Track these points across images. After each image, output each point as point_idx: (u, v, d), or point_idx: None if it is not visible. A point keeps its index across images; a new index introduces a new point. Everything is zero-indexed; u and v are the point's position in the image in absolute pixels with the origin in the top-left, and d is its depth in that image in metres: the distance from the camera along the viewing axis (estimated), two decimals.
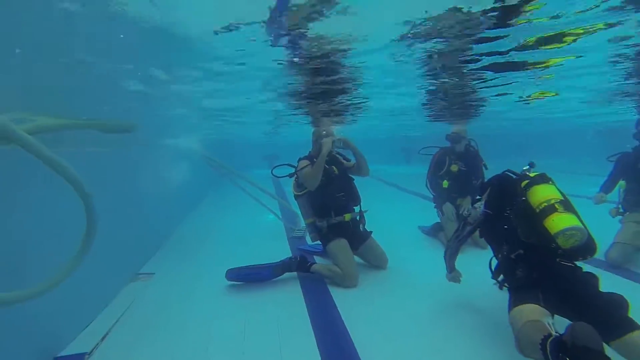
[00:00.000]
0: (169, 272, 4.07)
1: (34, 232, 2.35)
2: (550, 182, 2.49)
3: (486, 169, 4.90)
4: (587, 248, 2.33)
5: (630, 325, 1.95)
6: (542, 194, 2.40)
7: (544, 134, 19.33)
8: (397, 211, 6.99)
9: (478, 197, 2.88)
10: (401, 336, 2.71)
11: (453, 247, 3.01)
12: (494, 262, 2.71)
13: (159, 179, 5.41)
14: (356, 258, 3.92)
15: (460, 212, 3.00)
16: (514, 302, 2.30)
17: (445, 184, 4.92)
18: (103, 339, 2.74)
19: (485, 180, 3.02)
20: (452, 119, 8.47)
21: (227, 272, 3.62)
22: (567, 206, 2.32)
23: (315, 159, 3.81)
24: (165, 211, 5.60)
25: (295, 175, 4.05)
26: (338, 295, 3.42)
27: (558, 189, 2.46)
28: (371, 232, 4.10)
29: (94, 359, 2.51)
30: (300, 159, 4.03)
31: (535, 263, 2.39)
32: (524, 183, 2.51)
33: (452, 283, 3.07)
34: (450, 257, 3.07)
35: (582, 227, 2.22)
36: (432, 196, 5.23)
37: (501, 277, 2.60)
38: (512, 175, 2.70)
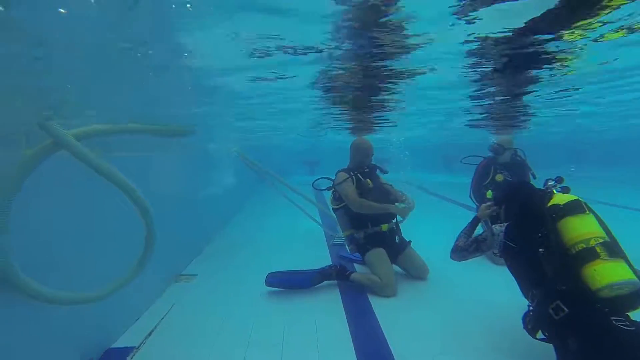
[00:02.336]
0: (211, 274, 4.17)
1: (92, 233, 2.49)
2: (587, 212, 2.01)
3: (534, 178, 4.71)
4: (638, 298, 1.89)
5: None
6: (578, 230, 1.96)
7: (606, 141, 17.88)
8: (439, 221, 6.83)
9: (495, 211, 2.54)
10: (441, 350, 2.64)
11: (457, 257, 2.73)
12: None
13: (204, 183, 5.60)
14: (396, 268, 3.87)
15: (481, 234, 2.62)
16: None
17: (489, 194, 4.77)
18: (149, 335, 2.85)
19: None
20: (498, 127, 8.14)
21: (268, 276, 3.67)
22: (613, 248, 1.87)
23: (353, 172, 3.92)
24: (209, 215, 5.76)
25: (333, 188, 4.07)
26: (377, 304, 3.38)
27: (598, 221, 2.00)
28: (410, 241, 4.05)
29: (141, 353, 2.62)
30: (338, 172, 4.05)
31: (589, 328, 1.91)
32: (551, 209, 2.05)
33: (495, 301, 2.82)
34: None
35: (635, 280, 1.81)
36: (475, 207, 5.08)
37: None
38: (533, 189, 2.28)
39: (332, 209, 4.17)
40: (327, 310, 3.28)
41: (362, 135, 6.69)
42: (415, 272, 3.96)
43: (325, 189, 4.15)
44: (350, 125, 7.84)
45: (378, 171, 4.18)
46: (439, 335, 2.83)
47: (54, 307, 1.90)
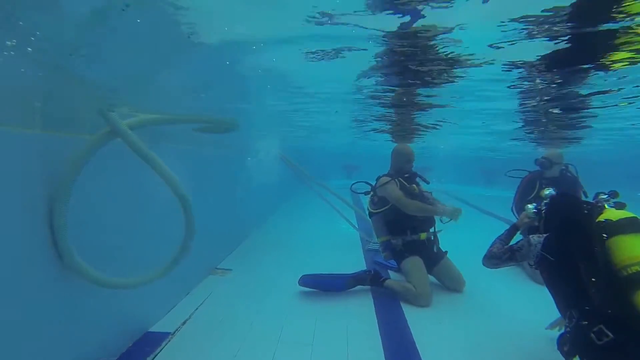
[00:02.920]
0: (245, 270, 4.24)
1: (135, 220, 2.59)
2: None
3: (586, 197, 4.47)
4: None
5: None
6: (632, 250, 1.76)
7: None
8: (476, 234, 6.61)
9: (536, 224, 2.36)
10: None
11: (490, 264, 2.62)
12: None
13: (244, 181, 5.71)
14: (431, 278, 3.79)
15: (517, 243, 2.45)
16: None
17: (529, 209, 4.58)
18: (184, 323, 2.92)
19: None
20: (549, 142, 7.72)
21: (301, 278, 3.67)
22: None
23: (398, 179, 3.88)
24: (248, 212, 5.86)
25: (372, 192, 4.04)
26: (410, 313, 3.31)
27: None
28: (446, 252, 3.95)
29: (176, 339, 2.69)
30: (379, 177, 4.02)
31: (634, 356, 1.73)
32: (601, 225, 1.87)
33: (530, 319, 2.66)
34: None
35: None
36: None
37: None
38: (579, 202, 2.09)
39: (370, 213, 4.12)
40: (359, 315, 3.25)
41: (403, 143, 6.58)
42: (451, 284, 3.85)
43: (363, 193, 4.13)
44: (391, 129, 7.65)
45: (418, 179, 4.12)
46: (471, 350, 2.74)
47: (102, 290, 2.00)
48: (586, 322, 1.88)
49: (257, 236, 5.94)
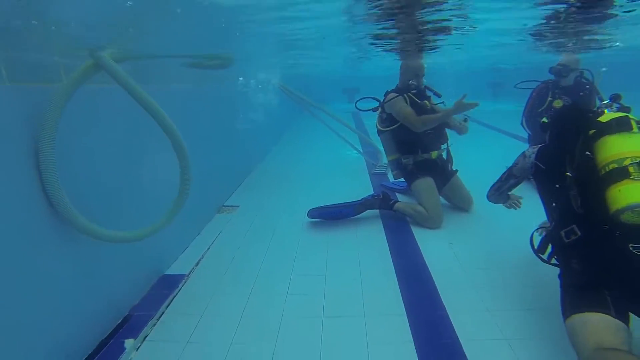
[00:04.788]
0: (253, 205, 4.23)
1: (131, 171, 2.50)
2: (634, 131, 1.70)
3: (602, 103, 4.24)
4: None
5: None
6: (614, 149, 1.67)
7: None
8: (484, 151, 6.52)
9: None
10: (485, 282, 2.58)
11: (493, 198, 2.66)
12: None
13: (244, 113, 5.54)
14: (441, 199, 3.75)
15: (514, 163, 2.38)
16: (573, 304, 1.69)
17: (543, 120, 4.40)
18: (197, 264, 2.96)
19: (552, 115, 2.27)
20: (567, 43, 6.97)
21: (309, 212, 3.64)
22: None
23: (408, 94, 3.65)
24: (250, 145, 5.76)
25: (380, 109, 3.85)
26: (420, 235, 3.33)
27: None
28: (456, 170, 3.87)
29: (191, 280, 2.74)
30: (388, 92, 3.80)
31: (598, 252, 1.74)
32: (591, 131, 1.78)
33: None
34: (496, 202, 2.71)
35: None
36: (527, 135, 4.74)
37: (548, 253, 2.02)
38: (583, 111, 1.94)
39: (378, 130, 3.94)
40: (369, 240, 3.28)
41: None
42: (460, 203, 3.83)
43: (371, 109, 3.93)
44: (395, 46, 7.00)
45: (430, 93, 3.88)
46: (483, 268, 2.77)
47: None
48: (560, 223, 1.90)
49: (261, 169, 5.89)
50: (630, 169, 1.59)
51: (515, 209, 2.76)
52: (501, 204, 2.80)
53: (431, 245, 3.15)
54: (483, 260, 2.86)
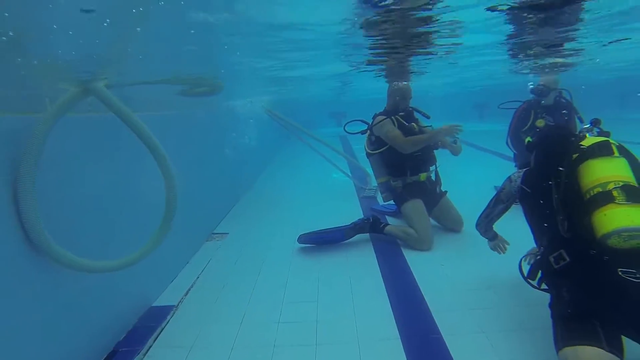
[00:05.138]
0: (242, 232, 4.19)
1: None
2: (615, 155, 1.73)
3: (582, 122, 4.35)
4: None
5: None
6: (597, 173, 1.69)
7: None
8: (472, 171, 6.59)
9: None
10: (476, 304, 2.56)
11: (482, 226, 2.59)
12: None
13: (232, 139, 5.55)
14: (431, 220, 3.75)
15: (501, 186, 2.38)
16: (564, 336, 1.67)
17: (528, 140, 4.48)
18: (186, 293, 2.90)
19: (536, 136, 2.32)
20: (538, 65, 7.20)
21: (299, 237, 3.62)
22: (634, 193, 1.60)
23: (395, 117, 3.67)
24: (238, 172, 5.75)
25: (369, 132, 3.89)
26: (412, 257, 3.31)
27: (631, 165, 1.72)
28: (446, 192, 3.89)
29: (180, 310, 2.67)
30: (376, 115, 3.85)
31: (587, 278, 1.74)
32: (574, 155, 1.81)
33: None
34: (484, 232, 2.65)
35: None
36: (512, 155, 4.82)
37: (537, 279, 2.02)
38: (566, 134, 2.00)
39: (367, 153, 3.96)
40: (360, 265, 3.24)
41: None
42: (450, 224, 3.84)
43: (359, 132, 3.96)
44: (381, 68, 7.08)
45: (417, 115, 3.93)
46: (475, 288, 2.76)
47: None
48: (549, 248, 1.91)
49: (250, 195, 5.86)
50: (614, 193, 1.61)
51: (499, 253, 2.71)
52: (487, 241, 2.77)
53: (423, 267, 3.13)
54: (475, 281, 2.85)
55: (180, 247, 3.36)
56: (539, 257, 2.03)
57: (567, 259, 1.81)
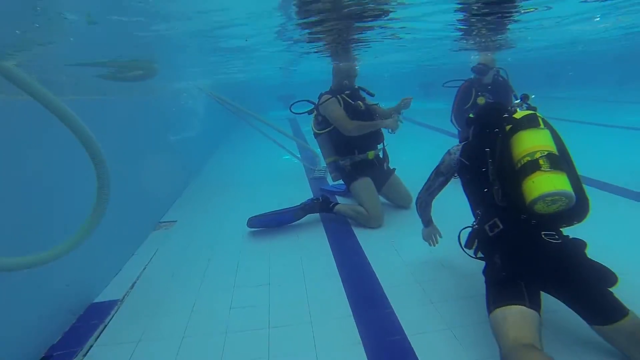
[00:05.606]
0: (191, 219, 4.05)
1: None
2: (541, 126, 1.88)
3: (517, 99, 4.56)
4: (574, 214, 1.84)
5: (621, 312, 1.65)
6: (526, 143, 1.83)
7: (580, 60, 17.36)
8: (419, 148, 6.77)
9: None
10: (430, 278, 2.65)
11: (423, 200, 2.59)
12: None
13: (175, 126, 5.31)
14: (381, 198, 3.81)
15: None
16: (494, 300, 1.79)
17: (470, 117, 4.65)
18: (132, 286, 2.76)
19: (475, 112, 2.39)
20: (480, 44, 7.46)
21: (249, 221, 3.55)
22: (556, 161, 1.75)
23: (341, 96, 3.65)
24: (185, 158, 5.53)
25: (315, 112, 3.84)
26: (363, 236, 3.36)
27: (552, 136, 1.87)
28: (394, 169, 3.96)
29: (125, 305, 2.54)
30: (322, 94, 3.80)
31: (517, 243, 1.89)
32: (507, 127, 1.94)
33: None
34: (422, 210, 2.65)
35: (569, 192, 1.70)
36: (456, 132, 4.99)
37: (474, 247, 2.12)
38: (500, 109, 2.10)
39: (315, 133, 3.93)
40: (312, 245, 3.25)
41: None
42: (399, 201, 3.92)
43: (306, 112, 3.91)
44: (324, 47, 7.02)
45: (363, 93, 3.93)
46: (428, 264, 2.83)
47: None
48: (484, 217, 2.04)
49: (198, 181, 5.67)
50: (541, 162, 1.74)
51: (430, 245, 2.76)
52: (422, 229, 2.81)
53: (373, 244, 3.18)
54: (425, 255, 2.93)
55: (124, 238, 3.19)
56: (475, 226, 2.12)
57: (501, 226, 1.94)
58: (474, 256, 2.12)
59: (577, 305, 1.76)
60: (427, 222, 2.74)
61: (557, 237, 1.84)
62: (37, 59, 2.36)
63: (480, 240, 2.07)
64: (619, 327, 1.64)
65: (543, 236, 1.82)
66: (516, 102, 2.17)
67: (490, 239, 1.98)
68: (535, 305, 1.71)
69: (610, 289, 1.73)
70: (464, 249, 2.16)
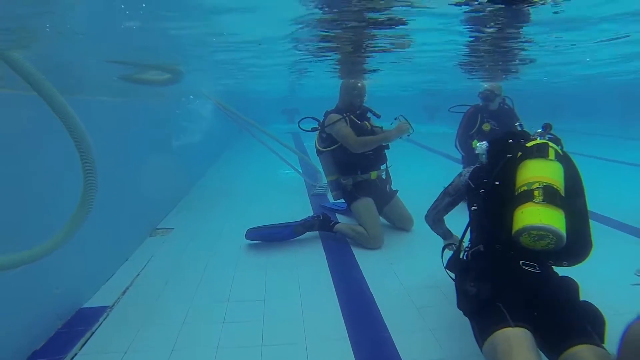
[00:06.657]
0: (188, 227, 3.99)
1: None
2: (550, 158, 1.79)
3: (521, 128, 4.57)
4: (566, 255, 1.76)
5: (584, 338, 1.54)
6: (529, 173, 1.77)
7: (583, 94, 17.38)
8: (422, 171, 6.75)
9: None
10: (426, 303, 2.58)
11: (430, 218, 2.54)
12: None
13: (178, 132, 5.29)
14: (381, 219, 3.76)
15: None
16: (480, 331, 1.69)
17: (475, 144, 4.65)
18: (124, 293, 2.69)
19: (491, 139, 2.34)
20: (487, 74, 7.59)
21: (247, 232, 3.49)
22: (553, 195, 1.65)
23: (346, 114, 3.61)
24: (185, 165, 5.50)
25: (320, 129, 3.82)
26: (362, 256, 3.30)
27: (561, 171, 1.77)
28: (397, 191, 3.92)
29: (115, 312, 2.47)
30: (328, 112, 3.78)
31: (492, 265, 1.86)
32: (519, 154, 1.89)
33: None
34: (435, 227, 2.59)
35: (556, 229, 1.59)
36: (460, 156, 4.98)
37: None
38: (517, 136, 2.05)
39: (318, 150, 3.89)
40: (310, 263, 3.18)
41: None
42: (400, 223, 3.87)
43: (310, 130, 3.87)
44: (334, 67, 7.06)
45: (370, 114, 3.88)
46: (423, 287, 2.78)
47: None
48: (475, 241, 1.99)
49: (198, 189, 5.63)
50: (535, 193, 1.67)
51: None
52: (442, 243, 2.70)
53: (372, 265, 3.12)
54: (424, 280, 2.87)
55: (118, 243, 3.13)
56: (465, 250, 2.08)
57: (482, 250, 1.92)
58: (453, 279, 2.07)
59: (542, 330, 1.64)
60: (444, 235, 2.62)
61: (538, 269, 1.77)
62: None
63: (458, 265, 2.04)
64: (572, 352, 1.52)
65: (521, 264, 1.77)
66: (538, 131, 2.12)
67: (467, 264, 1.95)
68: (519, 320, 1.60)
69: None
70: (446, 270, 2.14)
